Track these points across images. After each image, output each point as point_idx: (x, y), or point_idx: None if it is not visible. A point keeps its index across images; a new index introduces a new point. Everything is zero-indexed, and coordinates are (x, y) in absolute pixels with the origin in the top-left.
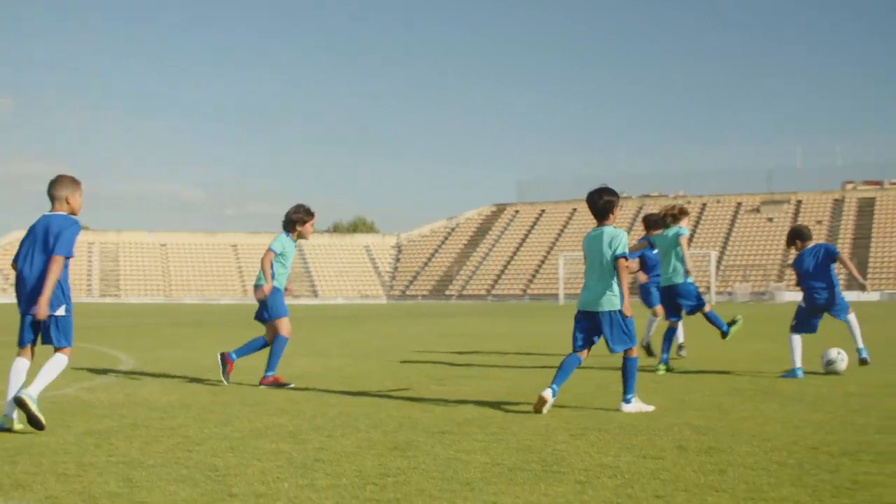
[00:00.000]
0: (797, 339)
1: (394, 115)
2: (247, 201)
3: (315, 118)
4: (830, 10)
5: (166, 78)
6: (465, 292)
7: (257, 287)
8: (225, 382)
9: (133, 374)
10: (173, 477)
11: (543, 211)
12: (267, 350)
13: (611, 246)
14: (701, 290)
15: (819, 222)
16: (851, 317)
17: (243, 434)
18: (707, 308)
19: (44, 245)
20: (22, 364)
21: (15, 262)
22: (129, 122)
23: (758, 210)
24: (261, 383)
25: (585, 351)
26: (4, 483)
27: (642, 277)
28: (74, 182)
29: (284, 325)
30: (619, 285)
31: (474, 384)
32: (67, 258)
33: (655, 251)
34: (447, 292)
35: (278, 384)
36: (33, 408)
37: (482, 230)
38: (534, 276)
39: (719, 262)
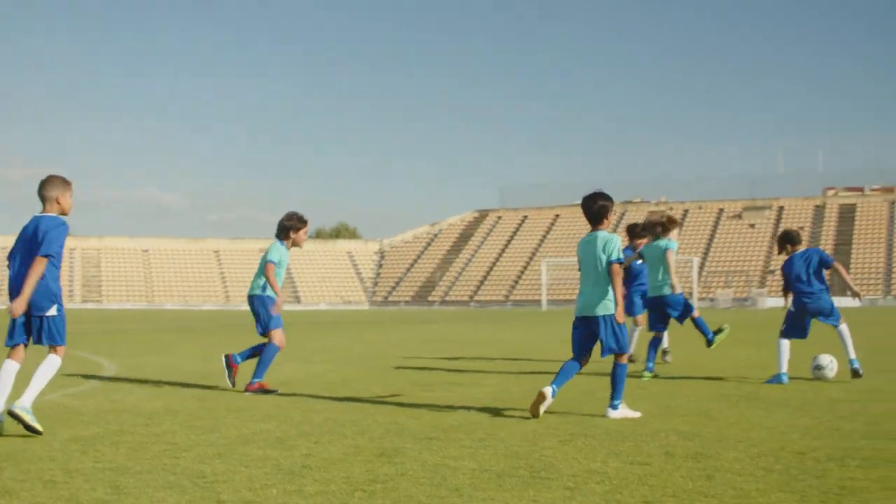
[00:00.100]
0: (786, 345)
1: (377, 121)
2: (229, 207)
3: (297, 123)
4: (812, 17)
5: (146, 83)
6: (447, 298)
7: (252, 297)
8: (231, 386)
9: (117, 381)
10: (161, 484)
11: (526, 217)
12: (258, 347)
13: (605, 251)
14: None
15: (801, 228)
16: (843, 327)
17: (230, 440)
18: (696, 314)
19: (32, 246)
20: (11, 367)
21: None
22: (109, 127)
23: (740, 216)
24: (246, 389)
25: (586, 357)
26: None
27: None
28: (65, 182)
29: (277, 336)
30: (613, 291)
31: (460, 390)
32: (53, 258)
33: (640, 261)
34: (430, 298)
35: (264, 391)
36: (27, 419)
37: (465, 236)
38: (516, 282)
39: (701, 268)
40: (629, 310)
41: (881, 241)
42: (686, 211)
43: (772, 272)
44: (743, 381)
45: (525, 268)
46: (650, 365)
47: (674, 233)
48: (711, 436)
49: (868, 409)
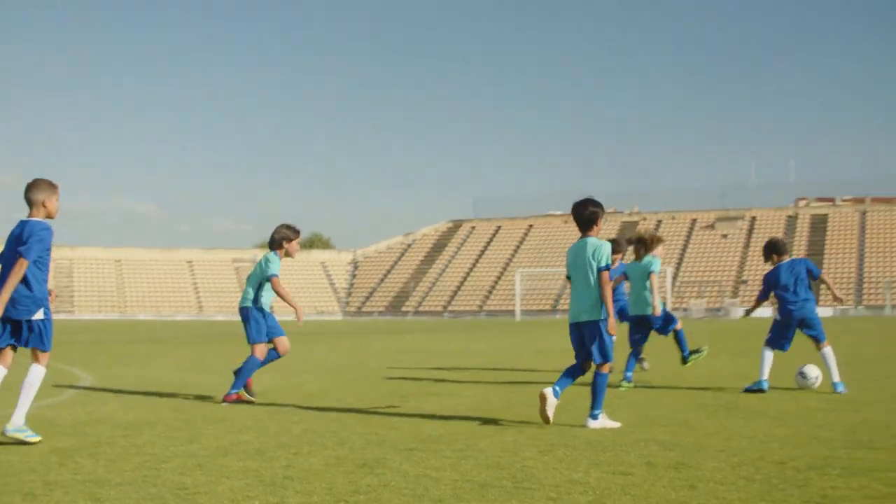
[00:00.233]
0: (769, 353)
1: (350, 132)
2: (201, 217)
3: (270, 134)
4: (783, 29)
5: (117, 92)
6: (421, 308)
7: (244, 309)
8: (253, 399)
9: (93, 392)
10: (142, 495)
11: (500, 227)
12: (271, 360)
13: (594, 257)
14: None
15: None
16: (827, 350)
17: (209, 452)
18: (678, 326)
19: (16, 250)
20: None
21: None
22: (81, 136)
23: (712, 226)
24: (224, 399)
25: (587, 362)
26: None
27: None
28: (51, 186)
29: (259, 350)
30: (603, 300)
31: (438, 401)
32: (37, 263)
33: (626, 280)
34: (403, 308)
35: (241, 401)
36: (23, 437)
37: (438, 246)
38: (490, 292)
39: (675, 278)
40: None
41: (853, 251)
42: (659, 221)
43: (744, 282)
44: (720, 390)
45: (499, 278)
46: (628, 375)
47: (658, 249)
48: (691, 445)
49: (845, 419)
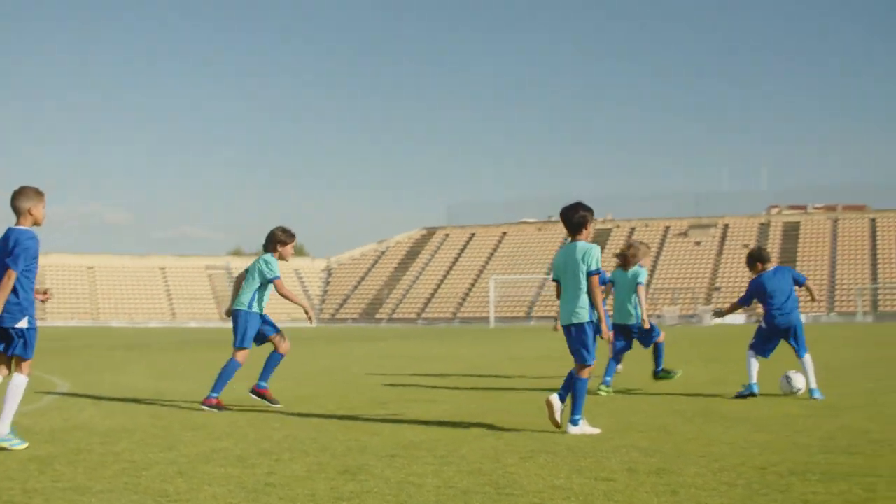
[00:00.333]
0: (754, 359)
1: (323, 139)
2: (174, 224)
3: (242, 140)
4: (755, 37)
5: (88, 97)
6: (395, 316)
7: (237, 312)
8: (278, 404)
9: (70, 399)
10: (124, 502)
11: (473, 234)
12: (277, 363)
13: (584, 261)
14: None
15: (745, 246)
16: (807, 358)
17: (190, 458)
18: (661, 338)
19: (6, 257)
20: None
21: None
22: (52, 142)
23: (685, 234)
24: (203, 403)
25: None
26: None
27: None
28: (38, 194)
29: (241, 354)
30: (593, 304)
31: (417, 407)
32: (23, 271)
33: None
34: (377, 315)
35: (220, 407)
36: (8, 446)
37: (412, 253)
38: (464, 299)
39: (648, 285)
40: None
41: (824, 258)
42: (633, 229)
43: (717, 289)
44: (695, 396)
45: (472, 285)
46: (607, 379)
47: (645, 259)
48: (672, 451)
49: (823, 425)
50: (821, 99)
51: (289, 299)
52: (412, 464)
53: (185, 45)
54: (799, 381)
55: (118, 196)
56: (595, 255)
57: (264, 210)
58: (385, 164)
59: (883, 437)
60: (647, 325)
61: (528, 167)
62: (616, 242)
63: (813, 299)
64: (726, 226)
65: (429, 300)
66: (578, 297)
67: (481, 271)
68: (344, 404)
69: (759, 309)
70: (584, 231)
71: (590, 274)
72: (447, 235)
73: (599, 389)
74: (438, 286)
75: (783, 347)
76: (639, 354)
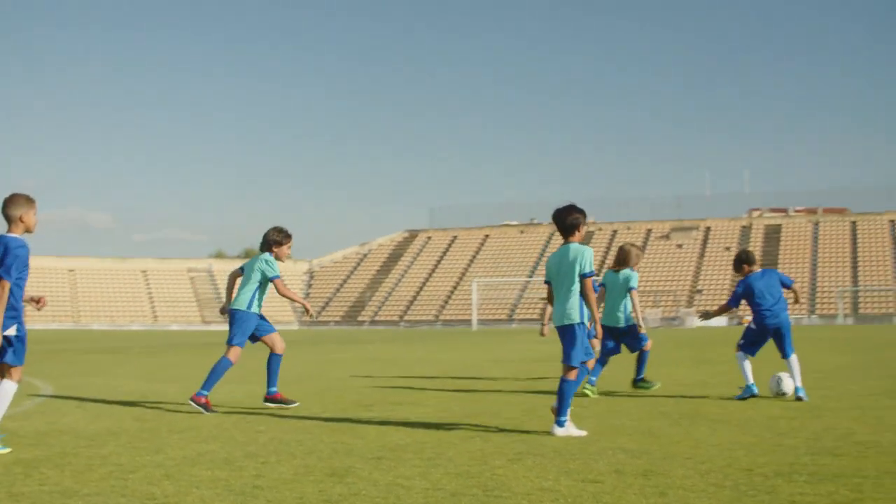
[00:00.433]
0: (745, 359)
1: (305, 142)
2: (156, 226)
3: (225, 145)
4: (737, 41)
5: (71, 101)
6: (377, 318)
7: (234, 311)
8: (295, 403)
9: (55, 402)
10: None
11: (456, 237)
12: (276, 364)
13: (577, 263)
14: None
15: (727, 248)
16: (794, 358)
17: (176, 461)
18: (648, 346)
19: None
20: None
21: None
22: (34, 144)
23: (668, 237)
24: (192, 399)
25: (590, 360)
26: None
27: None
28: (29, 201)
29: (234, 352)
30: (587, 306)
31: (402, 409)
32: (15, 280)
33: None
34: (359, 318)
35: (207, 408)
36: None
37: (394, 256)
38: (446, 301)
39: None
40: None
41: (805, 261)
42: (615, 231)
43: (699, 291)
44: (680, 398)
45: (455, 288)
46: (592, 379)
47: (637, 263)
48: (658, 454)
49: (807, 426)
50: (802, 103)
51: (289, 298)
52: (399, 466)
53: (167, 48)
54: (788, 386)
55: (99, 198)
56: (588, 258)
57: (246, 213)
58: (367, 167)
59: (868, 439)
60: (642, 330)
61: (511, 170)
62: (599, 245)
63: (797, 302)
64: (708, 228)
65: (411, 303)
66: (569, 299)
67: (464, 274)
68: (329, 407)
69: (741, 311)
70: (577, 233)
71: (583, 276)
72: (429, 238)
73: (585, 388)
74: (421, 289)
75: (769, 346)
76: (624, 359)
